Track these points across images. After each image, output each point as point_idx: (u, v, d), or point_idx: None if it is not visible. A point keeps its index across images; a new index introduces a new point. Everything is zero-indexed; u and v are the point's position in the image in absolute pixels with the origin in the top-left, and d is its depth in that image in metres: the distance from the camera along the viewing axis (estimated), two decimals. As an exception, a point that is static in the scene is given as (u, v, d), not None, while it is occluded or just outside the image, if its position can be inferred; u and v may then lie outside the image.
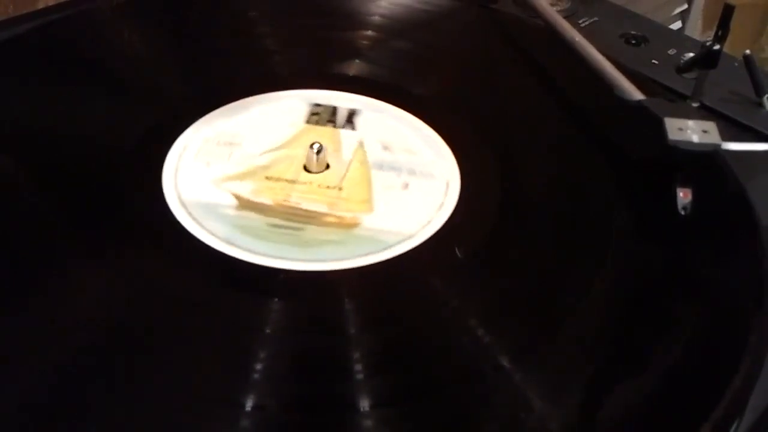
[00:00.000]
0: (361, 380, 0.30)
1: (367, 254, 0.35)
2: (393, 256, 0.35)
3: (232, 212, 0.37)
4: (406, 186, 0.40)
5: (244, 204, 0.38)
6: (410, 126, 0.44)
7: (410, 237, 0.36)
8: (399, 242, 0.36)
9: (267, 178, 0.39)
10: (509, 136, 0.44)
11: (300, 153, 0.41)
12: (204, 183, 0.39)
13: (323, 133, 0.42)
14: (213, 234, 0.36)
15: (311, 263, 0.35)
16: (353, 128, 0.43)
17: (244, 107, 0.44)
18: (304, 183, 0.39)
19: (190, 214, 0.37)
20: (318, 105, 0.44)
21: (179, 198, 0.38)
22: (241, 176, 0.39)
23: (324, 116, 0.44)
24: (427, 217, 0.38)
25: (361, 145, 0.42)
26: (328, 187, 0.39)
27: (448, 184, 0.40)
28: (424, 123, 0.44)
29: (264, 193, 0.38)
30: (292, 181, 0.39)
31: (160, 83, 0.46)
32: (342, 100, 0.45)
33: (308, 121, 0.43)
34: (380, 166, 0.41)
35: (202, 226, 0.36)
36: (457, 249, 0.36)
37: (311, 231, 0.37)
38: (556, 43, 0.47)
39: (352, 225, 0.37)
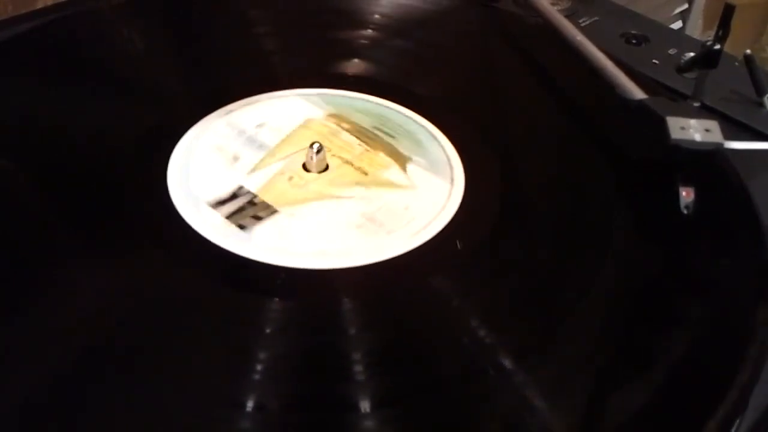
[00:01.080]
0: (361, 380, 0.30)
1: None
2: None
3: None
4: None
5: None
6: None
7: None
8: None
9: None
10: (510, 135, 0.44)
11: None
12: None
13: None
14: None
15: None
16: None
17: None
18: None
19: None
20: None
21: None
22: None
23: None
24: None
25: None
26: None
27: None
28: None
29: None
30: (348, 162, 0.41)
31: (160, 83, 0.46)
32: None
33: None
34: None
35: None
36: (457, 241, 0.36)
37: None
38: (556, 43, 0.47)
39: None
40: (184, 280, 0.34)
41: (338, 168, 0.40)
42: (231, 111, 0.43)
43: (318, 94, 0.45)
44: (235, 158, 0.40)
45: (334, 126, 0.43)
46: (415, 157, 0.41)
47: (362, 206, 0.38)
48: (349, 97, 0.45)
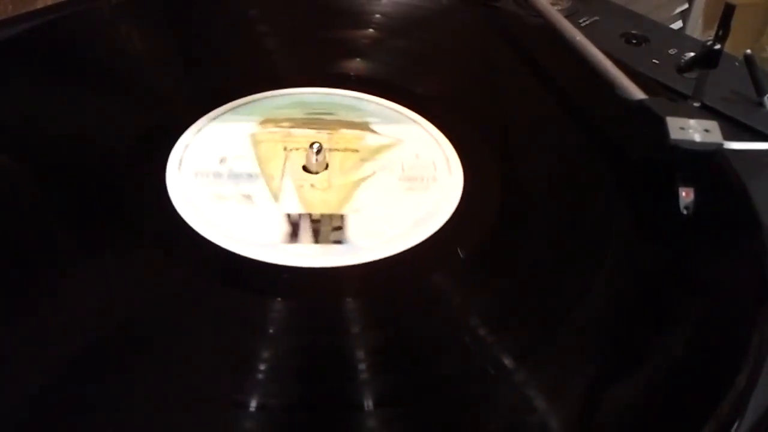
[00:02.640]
0: (362, 380, 0.30)
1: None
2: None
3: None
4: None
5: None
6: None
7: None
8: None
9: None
10: (510, 135, 0.44)
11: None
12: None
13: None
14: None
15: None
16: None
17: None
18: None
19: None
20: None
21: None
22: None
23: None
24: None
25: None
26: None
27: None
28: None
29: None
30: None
31: (160, 83, 0.46)
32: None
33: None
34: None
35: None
36: (459, 249, 0.36)
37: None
38: (556, 43, 0.47)
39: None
40: (189, 279, 0.34)
41: (333, 158, 0.41)
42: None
43: (229, 109, 0.44)
44: (247, 197, 0.38)
45: (277, 129, 0.42)
46: (368, 119, 0.43)
47: (391, 174, 0.40)
48: (256, 100, 0.45)
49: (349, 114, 0.43)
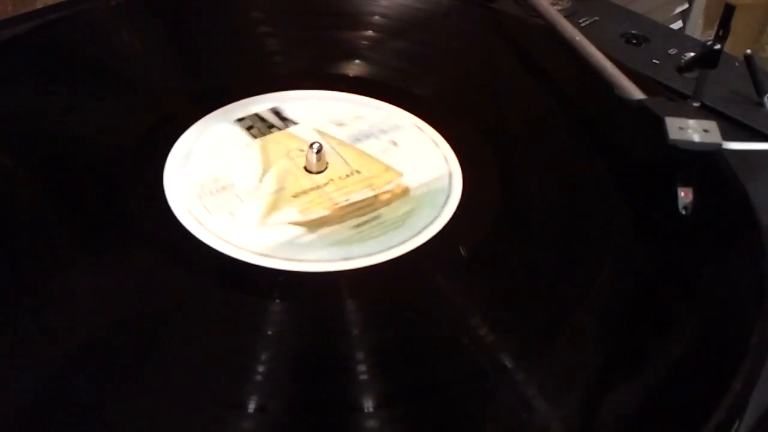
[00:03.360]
0: (362, 381, 0.30)
1: (445, 204, 0.38)
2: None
3: (312, 237, 0.36)
4: (395, 143, 0.42)
5: (313, 225, 0.37)
6: (334, 99, 0.45)
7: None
8: (453, 179, 0.40)
9: (294, 196, 0.39)
10: (510, 135, 0.44)
11: (289, 164, 0.40)
12: (249, 228, 0.36)
13: (281, 139, 0.42)
14: (321, 261, 0.35)
15: (419, 237, 0.36)
16: (295, 123, 0.43)
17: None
18: (327, 183, 0.39)
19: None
20: (241, 119, 0.43)
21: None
22: (273, 208, 0.38)
23: (260, 125, 0.43)
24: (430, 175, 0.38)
25: (320, 132, 0.42)
26: (348, 176, 0.40)
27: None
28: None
29: (312, 209, 0.38)
30: (317, 187, 0.39)
31: (160, 83, 0.46)
32: (258, 103, 0.44)
33: (255, 136, 0.42)
34: (357, 139, 0.42)
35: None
36: (461, 248, 0.36)
37: (387, 212, 0.38)
38: (556, 43, 0.47)
39: (405, 191, 0.39)
40: (185, 281, 0.34)
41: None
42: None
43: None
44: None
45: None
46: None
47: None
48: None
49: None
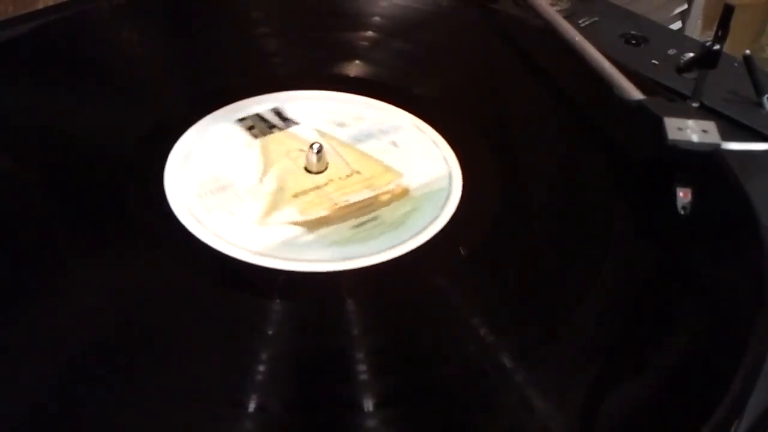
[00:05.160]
0: (362, 381, 0.30)
1: (444, 204, 0.38)
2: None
3: (312, 237, 0.36)
4: (395, 144, 0.42)
5: (313, 225, 0.37)
6: (335, 99, 0.45)
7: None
8: (453, 180, 0.40)
9: (294, 196, 0.39)
10: (509, 136, 0.44)
11: (290, 164, 0.40)
12: (248, 228, 0.37)
13: (282, 139, 0.42)
14: (321, 261, 0.35)
15: (419, 237, 0.36)
16: (296, 123, 0.43)
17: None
18: (327, 183, 0.39)
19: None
20: (242, 119, 0.43)
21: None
22: (273, 208, 0.38)
23: (261, 125, 0.43)
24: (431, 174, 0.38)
25: (321, 133, 0.43)
26: (348, 176, 0.40)
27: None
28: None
29: (312, 209, 0.38)
30: (318, 187, 0.39)
31: (160, 83, 0.46)
32: (260, 103, 0.44)
33: (256, 136, 0.42)
34: (357, 140, 0.42)
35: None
36: (460, 248, 0.36)
37: (386, 213, 0.38)
38: (556, 43, 0.47)
39: (405, 191, 0.39)
40: (185, 281, 0.34)
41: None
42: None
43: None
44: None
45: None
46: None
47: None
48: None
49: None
